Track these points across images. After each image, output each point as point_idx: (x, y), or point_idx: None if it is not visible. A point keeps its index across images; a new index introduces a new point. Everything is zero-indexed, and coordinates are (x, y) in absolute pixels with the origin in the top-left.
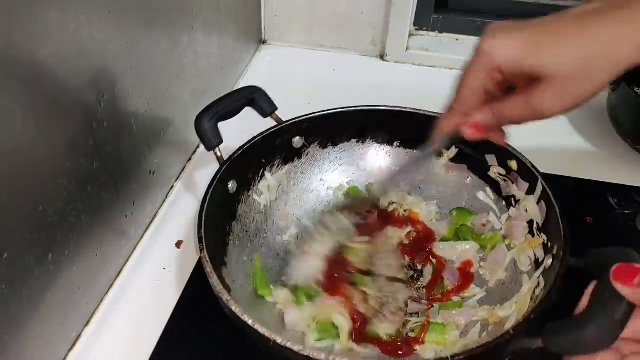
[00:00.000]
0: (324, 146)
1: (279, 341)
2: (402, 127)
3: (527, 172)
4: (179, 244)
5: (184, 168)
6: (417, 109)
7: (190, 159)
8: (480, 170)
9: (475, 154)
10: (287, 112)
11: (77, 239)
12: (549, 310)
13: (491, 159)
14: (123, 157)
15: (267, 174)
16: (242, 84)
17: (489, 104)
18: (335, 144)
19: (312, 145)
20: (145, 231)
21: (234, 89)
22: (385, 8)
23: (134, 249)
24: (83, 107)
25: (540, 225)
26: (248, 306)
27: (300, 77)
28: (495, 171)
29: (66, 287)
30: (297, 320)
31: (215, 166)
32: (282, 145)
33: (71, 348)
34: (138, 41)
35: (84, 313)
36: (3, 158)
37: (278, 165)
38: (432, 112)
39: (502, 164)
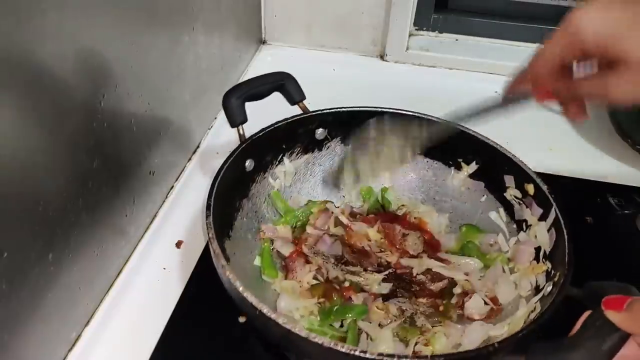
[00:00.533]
0: (345, 142)
1: (264, 311)
2: (426, 135)
3: (543, 198)
4: (179, 244)
5: (184, 168)
6: (442, 119)
7: (190, 159)
8: (497, 191)
9: (494, 173)
10: (288, 111)
11: (77, 239)
12: (541, 338)
13: (509, 180)
14: (123, 157)
15: (285, 159)
16: None
17: (562, 75)
18: None
19: (334, 140)
20: (145, 231)
21: (266, 73)
22: (385, 8)
23: (134, 249)
24: (83, 107)
25: (547, 252)
26: (245, 280)
27: (300, 77)
28: (512, 193)
29: (66, 287)
30: (291, 307)
31: (217, 164)
32: (304, 134)
33: (71, 348)
34: (138, 41)
35: (84, 313)
36: (4, 156)
37: (297, 153)
38: (454, 123)
39: (520, 186)
